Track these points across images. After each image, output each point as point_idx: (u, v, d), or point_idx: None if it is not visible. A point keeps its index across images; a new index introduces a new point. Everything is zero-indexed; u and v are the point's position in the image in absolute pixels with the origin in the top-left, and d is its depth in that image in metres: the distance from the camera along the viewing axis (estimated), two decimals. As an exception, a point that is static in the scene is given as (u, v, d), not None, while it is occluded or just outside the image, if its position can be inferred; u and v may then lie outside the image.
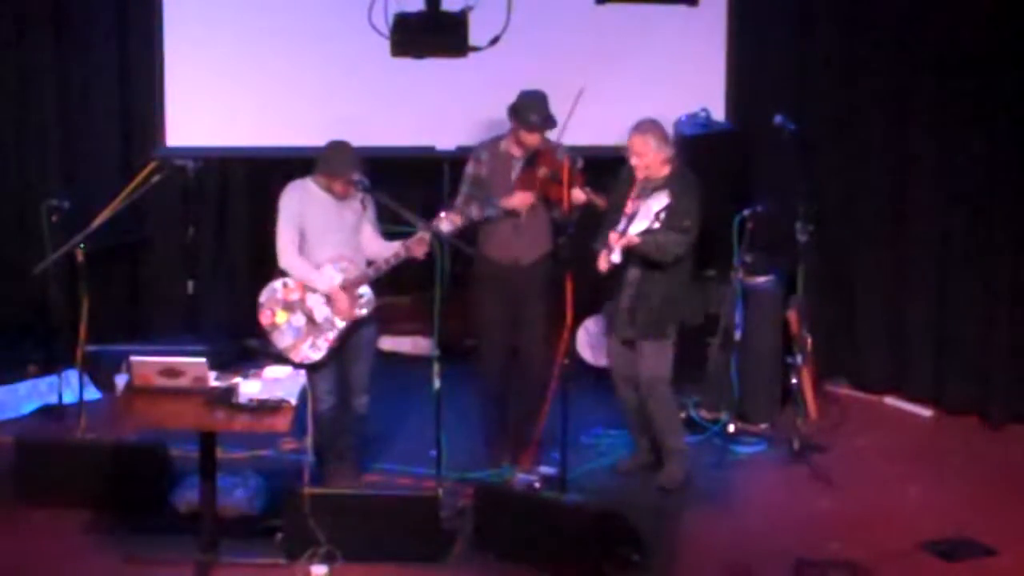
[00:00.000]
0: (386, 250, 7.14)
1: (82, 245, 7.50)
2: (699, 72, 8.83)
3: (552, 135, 7.31)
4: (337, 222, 7.11)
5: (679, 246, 7.10)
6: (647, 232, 6.99)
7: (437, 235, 6.92)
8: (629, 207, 7.11)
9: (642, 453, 7.59)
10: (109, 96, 9.05)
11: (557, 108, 7.25)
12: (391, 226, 7.37)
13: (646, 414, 7.38)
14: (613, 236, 7.05)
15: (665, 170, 7.18)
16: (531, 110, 7.27)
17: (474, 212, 7.36)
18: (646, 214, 6.98)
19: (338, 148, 7.10)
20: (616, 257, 7.03)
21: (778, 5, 8.84)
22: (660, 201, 6.96)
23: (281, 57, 8.81)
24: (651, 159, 7.15)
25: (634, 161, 7.19)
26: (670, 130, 8.38)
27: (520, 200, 7.34)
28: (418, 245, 7.01)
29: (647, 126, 7.20)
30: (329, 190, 7.09)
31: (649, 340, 7.24)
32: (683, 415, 8.07)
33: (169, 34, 8.83)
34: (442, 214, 7.07)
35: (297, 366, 6.90)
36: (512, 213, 7.37)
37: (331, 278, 7.05)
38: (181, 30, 8.81)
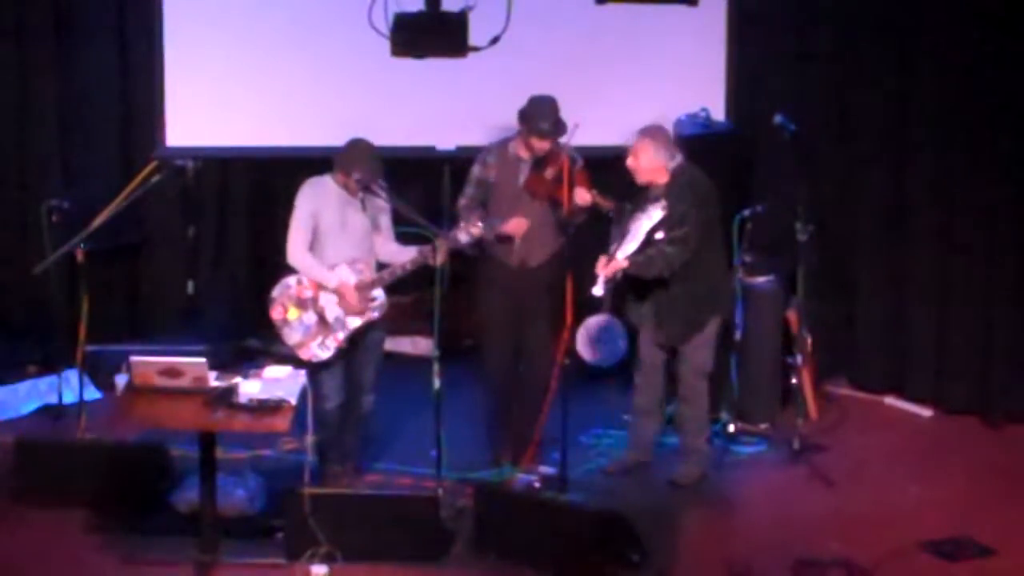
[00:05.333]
0: (400, 255, 7.14)
1: (82, 245, 7.50)
2: (699, 72, 8.82)
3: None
4: (350, 222, 7.10)
5: (674, 258, 7.03)
6: (637, 252, 6.96)
7: (455, 246, 6.91)
8: (630, 222, 7.09)
9: (632, 454, 7.57)
10: (109, 96, 9.04)
11: (559, 109, 7.27)
12: (398, 226, 7.36)
13: (680, 410, 7.38)
14: (601, 263, 7.01)
15: (664, 178, 7.16)
16: (541, 117, 7.25)
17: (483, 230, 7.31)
18: (636, 233, 6.96)
19: (351, 146, 7.07)
20: (598, 290, 7.00)
21: (778, 5, 8.84)
22: (655, 215, 6.94)
23: (281, 57, 8.81)
24: (645, 164, 7.12)
25: (629, 162, 7.18)
26: (670, 130, 8.41)
27: (515, 227, 7.30)
28: (436, 254, 6.97)
29: (650, 131, 7.19)
30: (345, 188, 7.10)
31: (686, 343, 7.25)
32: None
33: (169, 34, 8.81)
34: (461, 224, 7.08)
35: (304, 364, 6.90)
36: (506, 239, 7.34)
37: (343, 275, 7.05)
38: (181, 30, 8.80)
